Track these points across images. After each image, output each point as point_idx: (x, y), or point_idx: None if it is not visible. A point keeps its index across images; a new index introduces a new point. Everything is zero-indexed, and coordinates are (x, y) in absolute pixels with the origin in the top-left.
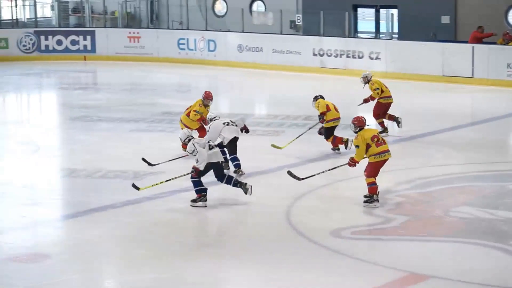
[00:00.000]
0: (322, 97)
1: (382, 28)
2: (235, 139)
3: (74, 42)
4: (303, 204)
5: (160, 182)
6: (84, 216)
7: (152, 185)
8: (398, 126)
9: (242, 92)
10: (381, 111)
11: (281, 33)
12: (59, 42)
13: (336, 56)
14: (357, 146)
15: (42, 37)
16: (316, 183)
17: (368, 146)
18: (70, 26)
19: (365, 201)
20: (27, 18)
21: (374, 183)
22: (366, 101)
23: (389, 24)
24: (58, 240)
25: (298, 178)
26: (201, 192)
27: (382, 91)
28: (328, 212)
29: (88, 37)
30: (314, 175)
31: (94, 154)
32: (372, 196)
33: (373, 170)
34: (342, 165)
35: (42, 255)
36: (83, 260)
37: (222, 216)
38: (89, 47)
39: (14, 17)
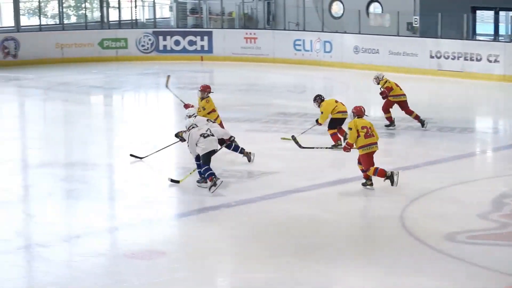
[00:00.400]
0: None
1: (502, 31)
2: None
3: (191, 43)
4: (417, 207)
5: (193, 170)
6: (198, 215)
7: (190, 173)
8: (423, 127)
9: (357, 93)
10: (390, 107)
11: (398, 35)
12: (177, 43)
13: (453, 59)
14: (350, 129)
15: (161, 38)
16: (430, 187)
17: (357, 135)
18: (188, 26)
19: (363, 184)
20: (146, 19)
21: (377, 168)
22: (382, 93)
23: (509, 26)
24: (173, 238)
25: (300, 146)
26: (212, 176)
27: (392, 89)
28: (443, 215)
29: (206, 38)
30: (314, 147)
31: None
32: (389, 176)
33: (367, 162)
34: (339, 146)
35: (156, 252)
36: (197, 258)
37: (336, 218)
38: (206, 48)
39: (134, 18)
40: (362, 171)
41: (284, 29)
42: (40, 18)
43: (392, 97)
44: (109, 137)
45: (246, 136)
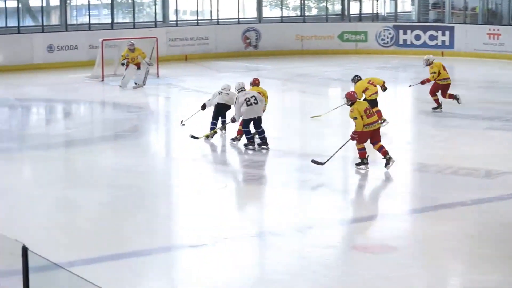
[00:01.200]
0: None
1: None
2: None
3: (432, 37)
4: None
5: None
6: (432, 212)
7: (210, 134)
8: (458, 102)
9: None
10: (437, 91)
11: None
12: (417, 37)
13: None
14: (355, 118)
15: (401, 32)
16: None
17: (361, 118)
18: (429, 21)
19: (356, 164)
20: (387, 13)
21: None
22: (422, 83)
23: None
24: (405, 234)
25: (320, 163)
26: (250, 139)
27: (440, 73)
28: None
29: (447, 33)
30: (331, 156)
31: (446, 150)
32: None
33: (362, 138)
34: (347, 142)
35: (388, 247)
36: (429, 255)
37: None
38: (447, 43)
39: (375, 11)
40: (361, 150)
41: None
42: (281, 10)
43: (440, 80)
44: (344, 129)
45: (484, 134)
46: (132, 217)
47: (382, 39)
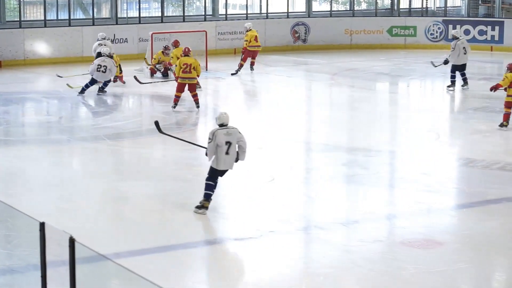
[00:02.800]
0: None
1: None
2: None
3: (481, 32)
4: None
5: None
6: (479, 207)
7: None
8: None
9: None
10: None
11: None
12: (467, 32)
13: None
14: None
15: (450, 26)
16: None
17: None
18: (479, 16)
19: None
20: (437, 7)
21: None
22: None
23: None
24: (452, 229)
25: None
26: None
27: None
28: None
29: (497, 28)
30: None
31: (493, 145)
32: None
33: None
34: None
35: (434, 242)
36: (476, 251)
37: None
38: (496, 38)
39: (424, 6)
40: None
41: None
42: (331, 4)
43: (250, 47)
44: (393, 124)
45: None
46: (179, 209)
47: (431, 34)
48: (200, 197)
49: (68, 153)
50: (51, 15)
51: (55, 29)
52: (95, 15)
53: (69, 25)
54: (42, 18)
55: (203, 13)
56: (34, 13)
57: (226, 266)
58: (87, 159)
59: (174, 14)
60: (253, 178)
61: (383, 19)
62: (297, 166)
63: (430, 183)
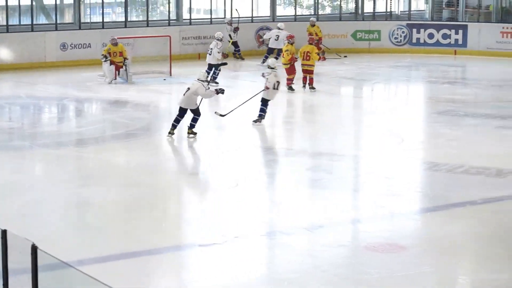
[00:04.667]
0: None
1: None
2: None
3: (445, 36)
4: None
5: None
6: (442, 211)
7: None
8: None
9: None
10: None
11: None
12: (431, 36)
13: None
14: None
15: (414, 30)
16: None
17: None
18: (442, 19)
19: None
20: (401, 11)
21: None
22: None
23: None
24: (415, 233)
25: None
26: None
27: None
28: None
29: (460, 32)
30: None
31: (457, 149)
32: None
33: None
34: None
35: (398, 246)
36: (439, 254)
37: None
38: (460, 42)
39: (388, 10)
40: None
41: None
42: (295, 9)
43: None
44: (357, 128)
45: (496, 133)
46: (142, 215)
47: (396, 38)
48: (164, 203)
49: (30, 160)
50: (14, 20)
51: (18, 34)
52: (58, 20)
53: (32, 30)
54: (4, 23)
55: (167, 18)
56: None
57: (191, 272)
58: (49, 165)
59: (138, 19)
60: (217, 184)
61: (348, 23)
62: (261, 171)
63: (393, 187)
